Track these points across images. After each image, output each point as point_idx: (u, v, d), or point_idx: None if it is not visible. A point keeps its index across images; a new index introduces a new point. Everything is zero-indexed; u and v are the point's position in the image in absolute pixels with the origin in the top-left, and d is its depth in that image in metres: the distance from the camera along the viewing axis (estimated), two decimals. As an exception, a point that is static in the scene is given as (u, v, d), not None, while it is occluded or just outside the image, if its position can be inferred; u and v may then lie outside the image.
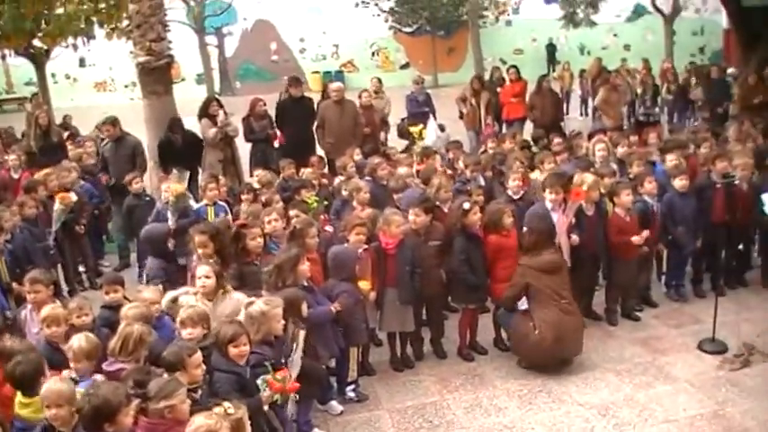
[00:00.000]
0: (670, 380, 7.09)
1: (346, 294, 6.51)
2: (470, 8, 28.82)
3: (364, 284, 6.78)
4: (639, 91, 17.44)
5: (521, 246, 7.53)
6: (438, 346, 7.73)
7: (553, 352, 7.17)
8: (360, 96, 13.61)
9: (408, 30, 32.56)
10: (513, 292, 7.20)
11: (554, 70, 26.97)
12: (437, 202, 7.88)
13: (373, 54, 33.75)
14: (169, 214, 8.42)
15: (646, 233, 8.12)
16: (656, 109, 17.55)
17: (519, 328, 7.20)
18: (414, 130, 13.70)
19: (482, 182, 9.19)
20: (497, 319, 7.59)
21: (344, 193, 8.86)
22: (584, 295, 8.04)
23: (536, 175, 9.20)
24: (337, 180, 9.85)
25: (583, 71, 22.97)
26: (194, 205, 8.97)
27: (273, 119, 12.71)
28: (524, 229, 7.67)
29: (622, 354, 7.61)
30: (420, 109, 15.02)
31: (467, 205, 7.38)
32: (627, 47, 33.40)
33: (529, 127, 14.42)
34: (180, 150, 11.21)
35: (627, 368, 7.32)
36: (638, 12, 33.60)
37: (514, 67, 15.76)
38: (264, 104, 12.66)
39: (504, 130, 14.73)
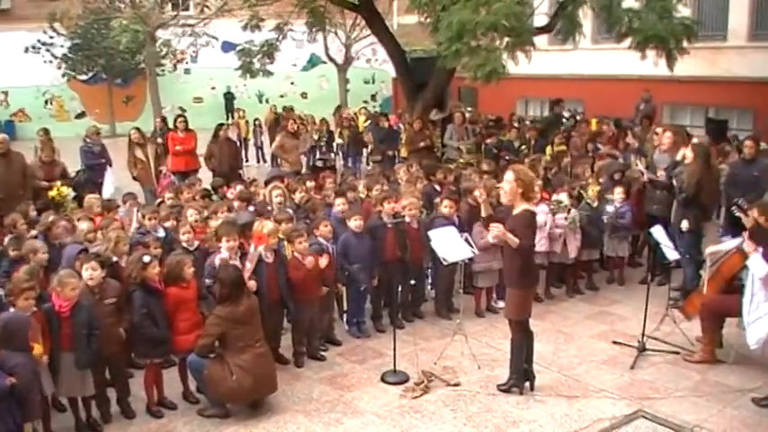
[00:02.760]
0: (358, 414, 7.30)
1: (20, 367, 6.06)
2: (148, 56, 28.23)
3: (36, 348, 6.33)
4: (316, 137, 18.05)
5: (200, 296, 7.47)
6: (125, 405, 7.37)
7: (251, 394, 7.20)
8: (42, 149, 12.95)
9: (83, 77, 31.20)
10: (208, 341, 7.07)
11: (233, 118, 27.15)
12: (114, 258, 7.60)
13: (47, 102, 31.91)
14: None
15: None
16: (332, 154, 18.26)
17: (214, 374, 7.08)
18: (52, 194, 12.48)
19: (162, 233, 8.98)
20: (189, 367, 7.38)
21: (12, 253, 8.24)
22: (271, 340, 8.07)
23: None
24: (7, 239, 9.10)
25: (256, 119, 23.35)
26: None
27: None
28: (206, 280, 7.61)
29: (311, 394, 7.73)
30: (96, 160, 14.42)
31: (147, 258, 7.18)
32: (304, 95, 34.50)
33: (208, 176, 14.31)
34: None
35: (316, 407, 7.43)
36: (313, 61, 34.83)
37: (182, 117, 15.58)
38: None
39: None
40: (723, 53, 20.97)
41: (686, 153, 10.12)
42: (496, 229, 7.08)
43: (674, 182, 10.14)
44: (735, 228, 9.28)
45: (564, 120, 18.65)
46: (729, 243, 8.60)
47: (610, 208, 10.74)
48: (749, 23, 20.91)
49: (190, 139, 15.11)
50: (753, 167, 10.97)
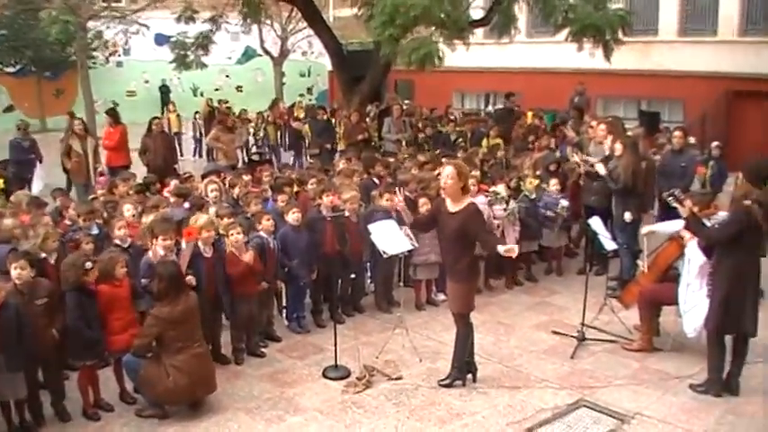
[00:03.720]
0: (300, 411, 7.21)
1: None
2: (78, 48, 27.50)
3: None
4: (252, 131, 17.87)
5: (134, 295, 7.31)
6: (60, 408, 7.13)
7: (188, 395, 7.06)
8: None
9: (11, 70, 30.32)
10: (145, 341, 6.90)
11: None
12: (43, 254, 7.38)
13: (-28, 96, 30.99)
14: None
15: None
16: (266, 148, 18.09)
17: (150, 375, 6.93)
18: None
19: (95, 230, 8.74)
20: (124, 367, 7.19)
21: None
22: (210, 339, 7.93)
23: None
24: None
25: (197, 112, 23.05)
26: None
27: None
28: (142, 280, 7.45)
29: (251, 391, 7.61)
30: (26, 156, 14.09)
31: (89, 265, 6.95)
32: (239, 88, 34.20)
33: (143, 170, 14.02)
34: None
35: (257, 405, 7.32)
36: (249, 54, 34.53)
37: (112, 111, 15.27)
38: None
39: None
40: (654, 47, 21.39)
41: (615, 146, 10.27)
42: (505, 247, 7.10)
43: (610, 176, 10.26)
44: (669, 217, 9.45)
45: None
46: (664, 224, 8.75)
47: (564, 202, 10.80)
48: (679, 18, 21.40)
49: (114, 134, 14.78)
50: (681, 158, 11.25)
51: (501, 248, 7.05)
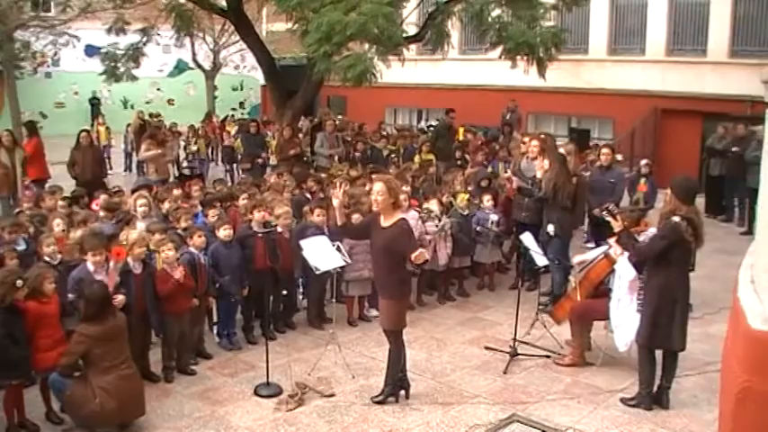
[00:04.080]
0: (231, 429, 7.08)
1: None
2: (5, 57, 26.80)
3: None
4: (183, 144, 17.68)
5: (64, 312, 7.09)
6: (-16, 430, 6.94)
7: (115, 418, 6.85)
8: None
9: (-66, 79, 29.42)
10: (71, 359, 6.70)
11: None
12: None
13: None
14: None
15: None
16: (197, 162, 17.90)
17: (76, 396, 6.72)
18: None
19: (23, 245, 8.48)
20: (51, 386, 6.98)
21: None
22: (139, 357, 7.72)
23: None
24: None
25: (128, 125, 22.66)
26: None
27: None
28: (69, 295, 7.24)
29: (181, 410, 7.45)
30: (-51, 168, 13.63)
31: (20, 282, 6.73)
32: (171, 101, 33.79)
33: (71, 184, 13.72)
34: None
35: (187, 424, 7.16)
36: (180, 67, 34.13)
37: (29, 123, 15.01)
38: None
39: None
40: (585, 66, 21.75)
41: (544, 162, 10.40)
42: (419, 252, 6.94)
43: (539, 184, 10.39)
44: (598, 233, 9.58)
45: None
46: (594, 252, 8.88)
47: (494, 217, 10.86)
48: (608, 38, 21.83)
49: (28, 146, 14.48)
50: (609, 174, 11.49)
51: (413, 255, 6.94)
